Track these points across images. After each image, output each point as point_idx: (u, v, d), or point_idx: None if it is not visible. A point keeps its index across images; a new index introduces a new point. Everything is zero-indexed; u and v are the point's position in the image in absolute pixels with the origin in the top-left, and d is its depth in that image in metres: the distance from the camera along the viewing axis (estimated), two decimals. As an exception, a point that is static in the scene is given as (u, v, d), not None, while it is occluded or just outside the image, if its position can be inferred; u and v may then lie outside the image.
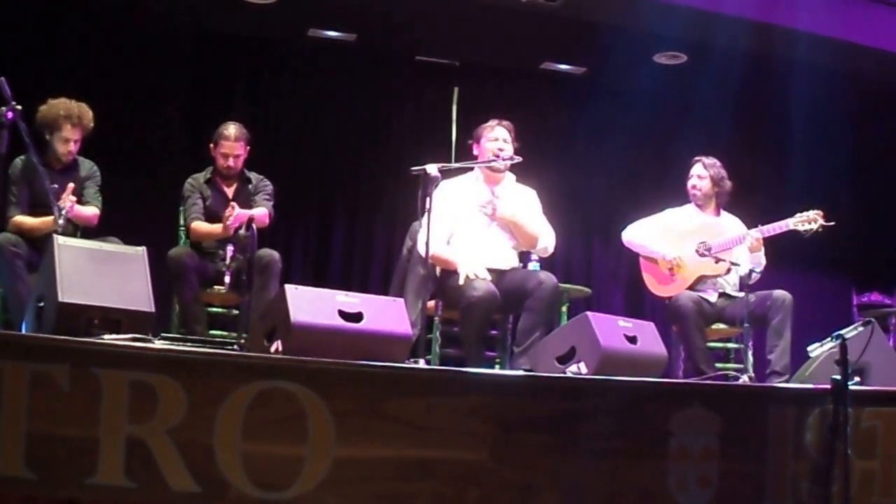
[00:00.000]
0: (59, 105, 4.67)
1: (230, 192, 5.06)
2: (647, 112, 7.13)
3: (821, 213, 4.85)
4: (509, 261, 4.71)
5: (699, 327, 4.87)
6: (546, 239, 4.77)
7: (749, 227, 5.03)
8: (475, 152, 4.80)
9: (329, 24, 6.68)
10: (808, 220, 4.83)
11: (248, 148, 5.08)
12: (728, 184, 5.19)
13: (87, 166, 4.81)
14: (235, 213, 4.68)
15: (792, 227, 4.87)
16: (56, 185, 4.33)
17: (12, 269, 4.33)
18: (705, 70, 6.60)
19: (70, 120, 4.64)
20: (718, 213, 5.23)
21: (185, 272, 4.70)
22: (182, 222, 5.08)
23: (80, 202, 4.58)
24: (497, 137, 4.70)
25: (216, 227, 4.83)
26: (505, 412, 2.87)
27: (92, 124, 4.73)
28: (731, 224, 5.18)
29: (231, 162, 5.01)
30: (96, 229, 4.68)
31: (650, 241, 5.19)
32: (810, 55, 6.42)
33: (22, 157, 4.53)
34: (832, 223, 4.83)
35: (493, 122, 4.76)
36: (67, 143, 4.67)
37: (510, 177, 4.82)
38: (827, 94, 6.80)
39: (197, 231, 4.94)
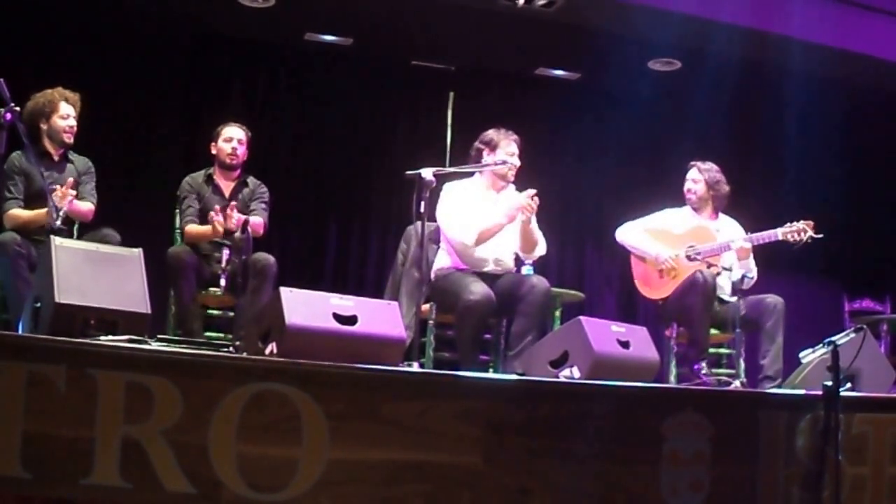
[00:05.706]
0: (49, 91, 4.67)
1: (228, 191, 5.04)
2: (640, 118, 7.15)
3: (811, 223, 4.81)
4: (507, 264, 4.77)
5: (709, 311, 4.88)
6: (542, 246, 4.84)
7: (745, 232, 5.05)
8: (486, 158, 4.79)
9: (326, 28, 6.69)
10: (797, 231, 4.79)
11: (247, 150, 5.09)
12: (725, 188, 5.19)
13: (81, 162, 4.77)
14: (235, 216, 4.67)
15: (781, 238, 4.84)
16: (51, 183, 4.31)
17: (15, 268, 4.28)
18: (699, 76, 6.62)
19: (64, 96, 4.65)
20: (716, 217, 5.24)
21: (184, 270, 4.68)
22: (178, 224, 5.06)
23: (76, 198, 4.51)
24: (514, 152, 4.76)
25: (207, 228, 4.80)
26: (498, 416, 2.88)
27: (79, 106, 4.70)
28: (726, 228, 5.18)
29: (235, 144, 5.00)
30: (91, 223, 4.66)
31: (642, 241, 5.20)
32: (803, 62, 6.45)
33: (19, 150, 4.49)
34: (821, 235, 4.80)
35: (509, 134, 4.79)
36: (67, 118, 4.63)
37: (511, 186, 4.87)
38: (819, 100, 6.82)
39: (191, 234, 4.92)
